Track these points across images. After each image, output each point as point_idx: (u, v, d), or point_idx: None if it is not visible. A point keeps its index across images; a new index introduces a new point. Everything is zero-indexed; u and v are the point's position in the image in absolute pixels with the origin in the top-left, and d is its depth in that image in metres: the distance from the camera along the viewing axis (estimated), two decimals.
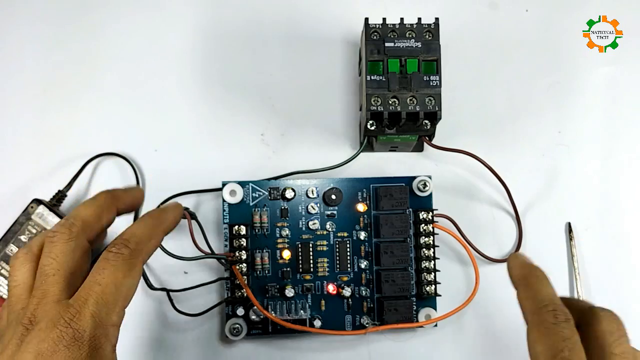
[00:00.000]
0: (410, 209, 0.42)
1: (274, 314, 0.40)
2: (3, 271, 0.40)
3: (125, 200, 0.33)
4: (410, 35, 0.38)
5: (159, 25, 0.45)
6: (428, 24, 0.39)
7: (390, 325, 0.40)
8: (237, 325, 0.40)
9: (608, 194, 0.45)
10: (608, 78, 0.46)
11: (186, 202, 0.43)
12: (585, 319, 0.28)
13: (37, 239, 0.30)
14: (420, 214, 0.41)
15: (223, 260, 0.39)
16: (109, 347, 0.27)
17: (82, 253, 0.29)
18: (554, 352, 0.25)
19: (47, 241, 0.28)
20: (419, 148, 0.45)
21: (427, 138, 0.41)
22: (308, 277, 0.41)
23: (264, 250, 0.41)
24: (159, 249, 0.37)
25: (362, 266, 0.41)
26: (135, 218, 0.42)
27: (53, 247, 0.28)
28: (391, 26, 0.38)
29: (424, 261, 0.41)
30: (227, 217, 0.41)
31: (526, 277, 0.30)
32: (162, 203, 0.41)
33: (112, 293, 0.27)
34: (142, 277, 0.41)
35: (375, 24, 0.39)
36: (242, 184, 0.41)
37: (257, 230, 0.41)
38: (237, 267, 0.39)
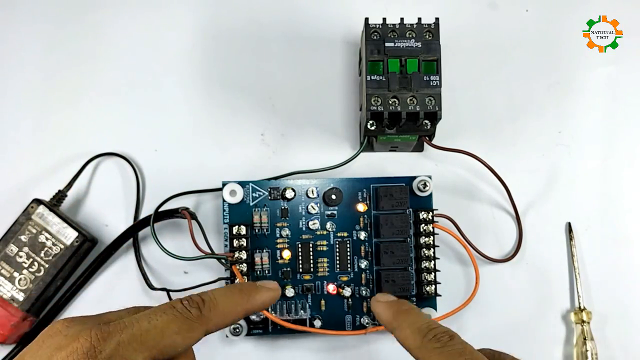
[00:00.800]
0: (411, 209, 0.42)
1: (274, 314, 0.40)
2: (3, 271, 0.40)
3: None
4: (411, 35, 0.38)
5: (159, 25, 0.45)
6: (428, 24, 0.39)
7: None
8: (237, 325, 0.40)
9: (608, 194, 0.45)
10: (608, 78, 0.46)
11: (186, 202, 0.43)
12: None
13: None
14: (421, 214, 0.41)
15: (223, 260, 0.39)
16: None
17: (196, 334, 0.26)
18: None
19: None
20: (419, 148, 0.45)
21: (427, 138, 0.41)
22: (308, 277, 0.41)
23: (264, 250, 0.41)
24: (159, 249, 0.37)
25: (362, 266, 0.41)
26: (135, 218, 0.43)
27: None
28: (391, 26, 0.38)
29: (424, 261, 0.41)
30: (227, 217, 0.41)
31: (396, 317, 0.29)
32: (162, 203, 0.41)
33: (153, 337, 0.24)
34: (143, 278, 0.42)
35: (375, 24, 0.39)
36: (242, 184, 0.41)
37: (257, 230, 0.41)
38: (237, 267, 0.39)
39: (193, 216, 0.39)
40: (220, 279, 0.41)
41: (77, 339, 0.24)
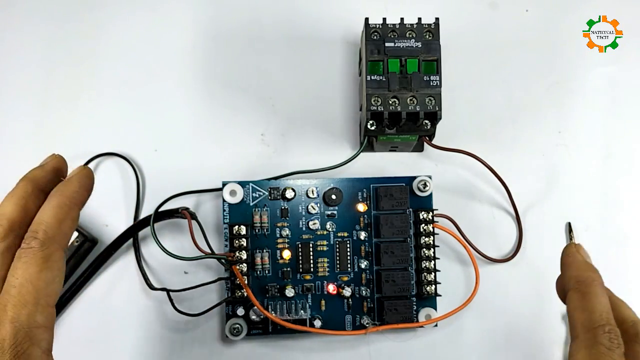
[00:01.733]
0: (411, 209, 0.42)
1: (274, 314, 0.40)
2: None
3: (47, 177, 0.30)
4: (411, 35, 0.38)
5: (159, 25, 0.45)
6: (428, 24, 0.39)
7: (390, 325, 0.40)
8: (237, 325, 0.40)
9: (608, 194, 0.45)
10: (608, 78, 0.46)
11: (186, 202, 0.43)
12: (627, 335, 0.27)
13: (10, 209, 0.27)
14: (421, 214, 0.41)
15: (223, 260, 0.39)
16: (38, 351, 0.25)
17: (7, 253, 0.27)
18: None
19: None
20: (419, 148, 0.45)
21: (427, 138, 0.41)
22: (308, 277, 0.41)
23: (264, 250, 0.41)
24: (159, 249, 0.37)
25: (362, 266, 0.41)
26: (135, 218, 0.43)
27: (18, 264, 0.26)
28: (391, 26, 0.38)
29: (424, 261, 0.41)
30: (227, 217, 0.41)
31: (584, 284, 0.28)
32: (162, 203, 0.41)
33: (30, 292, 0.25)
34: (143, 278, 0.42)
35: (376, 24, 0.39)
36: (242, 184, 0.41)
37: (257, 230, 0.41)
38: (237, 267, 0.39)
39: (193, 216, 0.39)
40: (220, 279, 0.41)
41: None
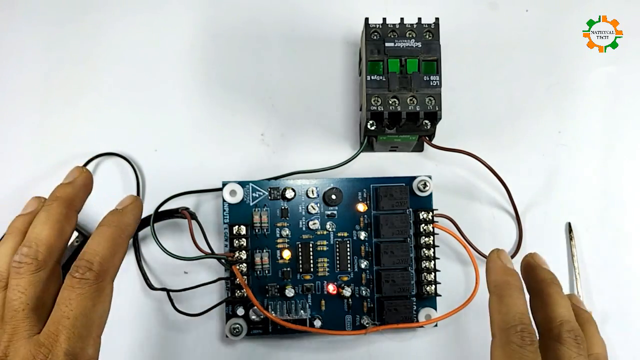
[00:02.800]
0: (411, 209, 0.42)
1: (274, 314, 0.40)
2: None
3: (80, 196, 0.31)
4: (411, 35, 0.38)
5: (159, 26, 0.45)
6: (428, 24, 0.39)
7: (390, 325, 0.40)
8: (237, 325, 0.40)
9: (608, 194, 0.45)
10: (608, 78, 0.46)
11: (186, 202, 0.43)
12: (550, 333, 0.28)
13: (2, 260, 0.28)
14: (421, 214, 0.41)
15: (223, 260, 0.39)
16: None
17: (54, 280, 0.28)
18: None
19: (14, 272, 0.27)
20: (419, 148, 0.45)
21: (427, 138, 0.41)
22: (308, 277, 0.41)
23: (264, 250, 0.41)
24: (159, 249, 0.37)
25: (362, 266, 0.41)
26: None
27: (20, 280, 0.26)
28: (391, 26, 0.38)
29: (424, 261, 0.41)
30: (227, 217, 0.41)
31: (501, 288, 0.30)
32: (162, 203, 0.41)
33: (84, 325, 0.26)
34: (143, 278, 0.42)
35: (376, 24, 0.39)
36: (242, 184, 0.41)
37: (257, 230, 0.41)
38: (237, 267, 0.39)
39: (193, 216, 0.39)
40: (220, 279, 0.41)
41: None
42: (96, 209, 0.43)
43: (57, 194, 0.30)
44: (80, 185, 0.31)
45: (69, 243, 0.40)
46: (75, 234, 0.41)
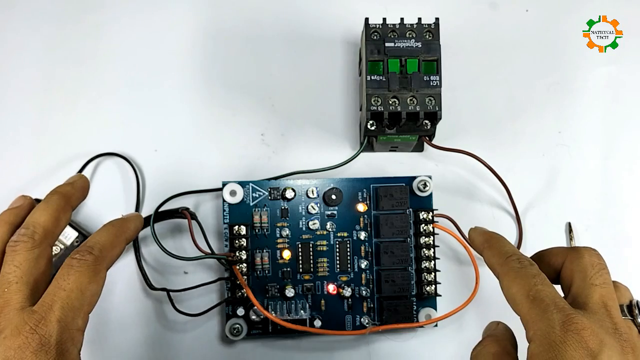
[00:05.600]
0: (411, 209, 0.42)
1: (274, 314, 0.40)
2: None
3: (77, 195, 0.33)
4: (411, 35, 0.38)
5: (159, 25, 0.45)
6: (428, 24, 0.39)
7: (390, 325, 0.40)
8: (237, 325, 0.40)
9: (608, 194, 0.45)
10: (608, 78, 0.46)
11: (186, 202, 0.43)
12: (569, 257, 0.30)
13: None
14: (421, 214, 0.41)
15: (223, 260, 0.39)
16: (75, 351, 0.27)
17: (46, 260, 0.29)
18: (528, 288, 0.28)
19: (9, 250, 0.28)
20: (419, 148, 0.45)
21: (427, 138, 0.41)
22: (308, 277, 0.41)
23: (264, 250, 0.41)
24: (159, 249, 0.37)
25: (362, 266, 0.41)
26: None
27: (16, 256, 0.28)
28: (391, 26, 0.38)
29: (424, 261, 0.41)
30: (227, 217, 0.41)
31: (488, 240, 0.32)
32: (162, 203, 0.41)
33: (78, 298, 0.27)
34: (143, 278, 0.42)
35: (376, 24, 0.39)
36: (242, 184, 0.41)
37: (257, 230, 0.41)
38: (237, 267, 0.39)
39: (193, 216, 0.39)
40: (220, 279, 0.41)
41: (17, 335, 0.26)
42: (96, 208, 0.43)
43: (57, 189, 0.33)
44: (79, 187, 0.34)
45: (69, 244, 0.41)
46: (75, 234, 0.41)
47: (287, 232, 0.41)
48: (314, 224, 0.41)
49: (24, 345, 0.25)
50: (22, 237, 0.29)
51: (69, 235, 0.40)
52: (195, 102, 0.45)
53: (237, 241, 0.39)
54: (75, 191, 0.33)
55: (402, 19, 0.38)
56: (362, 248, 0.42)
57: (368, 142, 0.42)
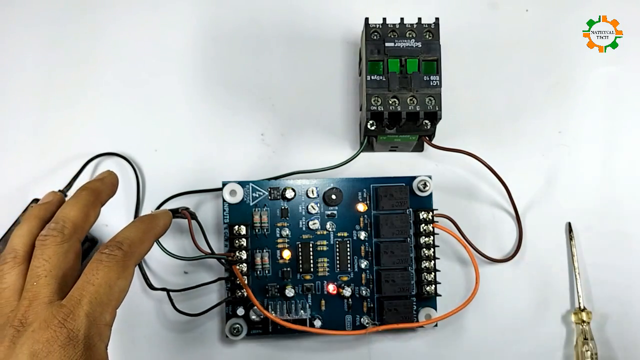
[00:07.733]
0: (411, 209, 0.42)
1: (274, 314, 0.40)
2: None
3: (107, 192, 0.33)
4: (411, 35, 0.38)
5: (159, 25, 0.45)
6: (428, 24, 0.39)
7: (390, 325, 0.40)
8: (237, 325, 0.40)
9: (608, 194, 0.45)
10: (608, 78, 0.46)
11: (186, 202, 0.43)
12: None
13: (20, 240, 0.29)
14: (421, 214, 0.41)
15: (223, 260, 0.39)
16: (102, 346, 0.27)
17: (74, 255, 0.29)
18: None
19: (39, 244, 0.28)
20: (419, 148, 0.45)
21: (427, 138, 0.41)
22: (308, 277, 0.41)
23: (264, 250, 0.41)
24: (159, 248, 0.37)
25: (362, 266, 0.41)
26: (136, 215, 0.43)
27: (45, 249, 0.28)
28: (391, 26, 0.38)
29: (424, 261, 0.41)
30: (227, 217, 0.41)
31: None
32: (162, 203, 0.41)
33: (106, 293, 0.27)
34: (143, 278, 0.42)
35: (375, 24, 0.39)
36: (242, 184, 0.41)
37: (257, 230, 0.41)
38: (237, 267, 0.39)
39: (193, 216, 0.39)
40: (220, 279, 0.41)
41: (46, 329, 0.25)
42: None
43: (87, 185, 0.33)
44: (108, 183, 0.34)
45: None
46: None
47: (287, 232, 0.41)
48: (314, 223, 0.41)
49: (52, 339, 0.25)
50: (52, 231, 0.29)
51: None
52: (196, 102, 0.45)
53: (237, 241, 0.39)
54: (104, 187, 0.33)
55: (402, 19, 0.38)
56: (362, 248, 0.42)
57: (368, 142, 0.42)
